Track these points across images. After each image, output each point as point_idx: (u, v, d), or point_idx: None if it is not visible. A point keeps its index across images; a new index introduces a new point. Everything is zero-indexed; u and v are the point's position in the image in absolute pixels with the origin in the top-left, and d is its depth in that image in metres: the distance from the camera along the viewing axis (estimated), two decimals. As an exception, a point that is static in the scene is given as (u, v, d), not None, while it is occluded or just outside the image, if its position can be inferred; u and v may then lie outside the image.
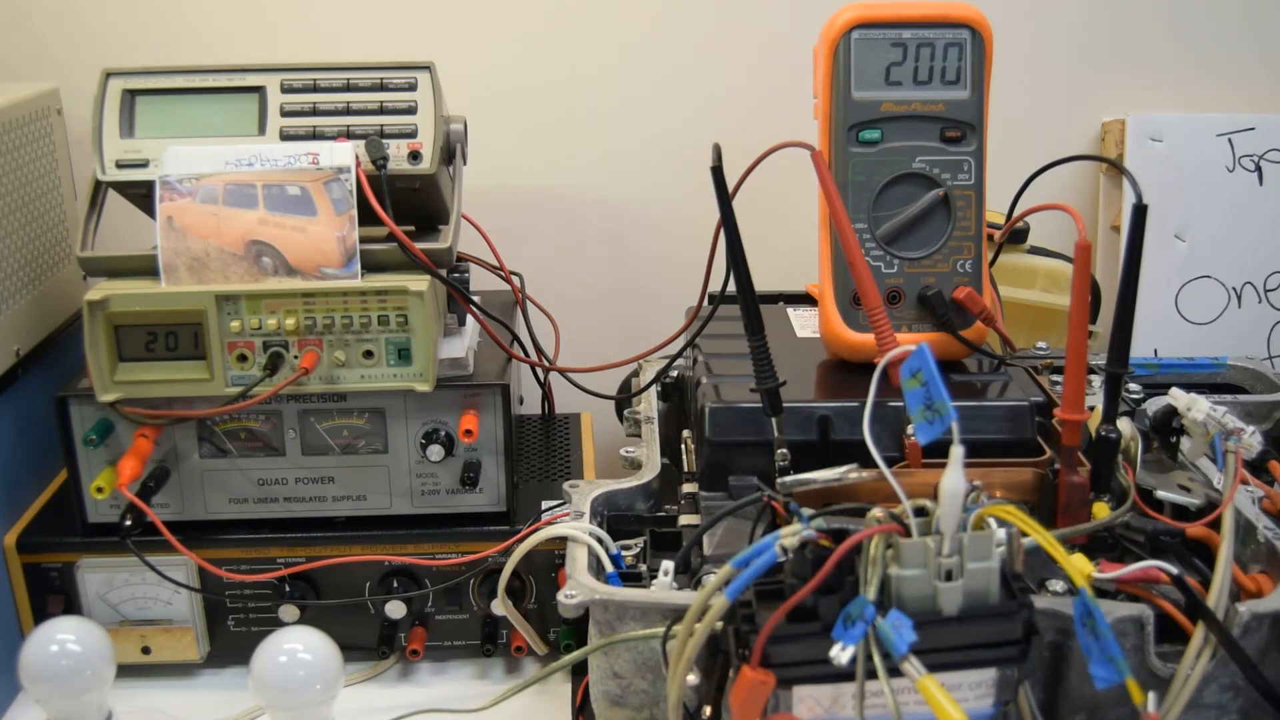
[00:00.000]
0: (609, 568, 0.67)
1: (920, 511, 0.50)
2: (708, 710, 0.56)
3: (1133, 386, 0.83)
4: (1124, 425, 0.69)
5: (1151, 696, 0.53)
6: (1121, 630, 0.58)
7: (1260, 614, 0.59)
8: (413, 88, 0.84)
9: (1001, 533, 0.50)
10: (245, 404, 0.76)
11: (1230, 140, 1.07)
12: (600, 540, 0.67)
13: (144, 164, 0.81)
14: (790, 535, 0.50)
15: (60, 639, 0.66)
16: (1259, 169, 1.07)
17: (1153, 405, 0.76)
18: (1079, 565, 0.60)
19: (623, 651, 0.61)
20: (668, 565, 0.64)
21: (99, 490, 0.76)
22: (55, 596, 0.80)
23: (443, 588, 0.81)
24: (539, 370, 1.00)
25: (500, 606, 0.78)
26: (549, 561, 0.80)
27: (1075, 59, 1.08)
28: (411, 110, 0.83)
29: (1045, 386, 0.77)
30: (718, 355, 0.81)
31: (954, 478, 0.48)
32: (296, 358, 0.76)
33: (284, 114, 0.83)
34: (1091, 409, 0.69)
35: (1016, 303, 0.96)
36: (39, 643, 0.66)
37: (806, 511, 0.52)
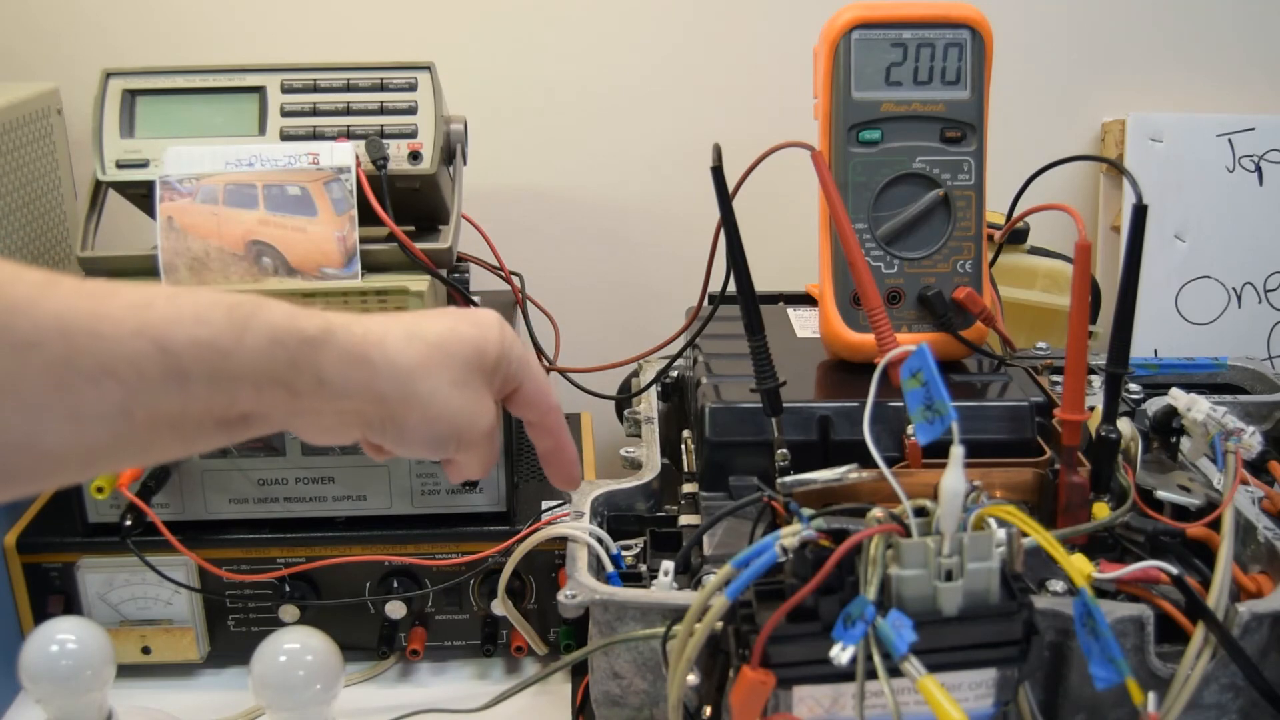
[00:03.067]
0: (609, 568, 0.67)
1: (920, 511, 0.50)
2: (708, 710, 0.56)
3: (1133, 386, 0.83)
4: (1124, 425, 0.69)
5: (1151, 696, 0.53)
6: (1121, 630, 0.58)
7: (1260, 614, 0.59)
8: (413, 88, 0.84)
9: (1001, 533, 0.50)
10: (245, 404, 0.76)
11: (1230, 140, 1.07)
12: (600, 540, 0.67)
13: (144, 164, 0.82)
14: (790, 535, 0.50)
15: (60, 639, 0.66)
16: (1259, 169, 1.07)
17: (1153, 405, 0.76)
18: (1079, 565, 0.60)
19: (623, 651, 0.61)
20: (668, 565, 0.64)
21: (99, 490, 0.76)
22: (55, 596, 0.79)
23: (443, 588, 0.81)
24: (539, 370, 1.00)
25: (500, 606, 0.78)
26: (549, 561, 0.80)
27: (1075, 59, 1.08)
28: (412, 110, 0.83)
29: (1045, 386, 0.77)
30: (718, 355, 0.81)
31: (954, 478, 0.48)
32: (296, 358, 0.76)
33: (284, 114, 0.83)
34: (1091, 409, 0.69)
35: (1016, 303, 0.96)
36: (39, 643, 0.66)
37: (806, 511, 0.52)
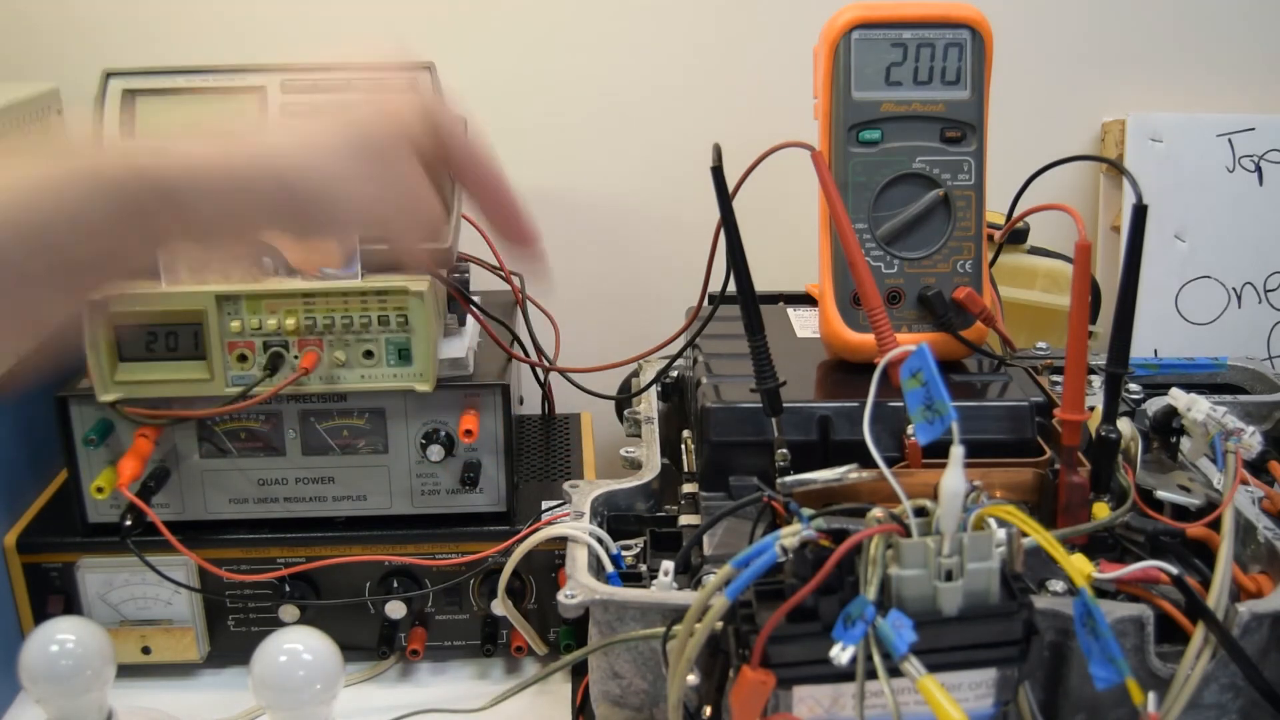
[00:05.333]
0: (609, 568, 0.67)
1: (920, 511, 0.50)
2: (708, 710, 0.56)
3: (1133, 386, 0.83)
4: (1124, 425, 0.69)
5: (1151, 696, 0.53)
6: (1121, 630, 0.58)
7: (1260, 614, 0.59)
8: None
9: (1001, 533, 0.50)
10: (245, 404, 0.76)
11: (1230, 140, 1.07)
12: (600, 540, 0.67)
13: (144, 164, 0.81)
14: (790, 535, 0.50)
15: (60, 639, 0.66)
16: (1259, 169, 1.07)
17: (1153, 405, 0.76)
18: (1079, 565, 0.60)
19: (623, 651, 0.61)
20: (668, 565, 0.64)
21: (99, 490, 0.76)
22: (55, 596, 0.80)
23: (443, 588, 0.81)
24: (539, 370, 1.00)
25: (500, 606, 0.78)
26: (549, 561, 0.80)
27: (1075, 59, 1.08)
28: (411, 110, 0.83)
29: (1045, 386, 0.77)
30: (718, 355, 0.81)
31: (954, 478, 0.48)
32: (296, 358, 0.76)
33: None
34: (1091, 409, 0.69)
35: (1016, 303, 0.96)
36: (39, 643, 0.66)
37: (806, 511, 0.52)
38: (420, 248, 0.51)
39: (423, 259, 0.52)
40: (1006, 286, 0.94)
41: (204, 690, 0.81)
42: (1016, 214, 0.84)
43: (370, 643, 0.81)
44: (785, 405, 0.70)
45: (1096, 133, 1.10)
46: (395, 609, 0.80)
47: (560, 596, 0.61)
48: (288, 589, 0.80)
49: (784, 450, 0.70)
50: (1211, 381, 0.90)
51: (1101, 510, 0.67)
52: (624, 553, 0.69)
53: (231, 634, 0.82)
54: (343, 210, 0.47)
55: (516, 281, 0.97)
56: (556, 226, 1.09)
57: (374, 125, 0.47)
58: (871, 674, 0.48)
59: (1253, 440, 0.67)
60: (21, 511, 0.83)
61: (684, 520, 0.73)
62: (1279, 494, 0.69)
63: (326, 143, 0.46)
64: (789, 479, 0.66)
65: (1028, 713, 0.58)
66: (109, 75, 0.83)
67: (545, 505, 0.82)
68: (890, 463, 0.63)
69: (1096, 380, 0.78)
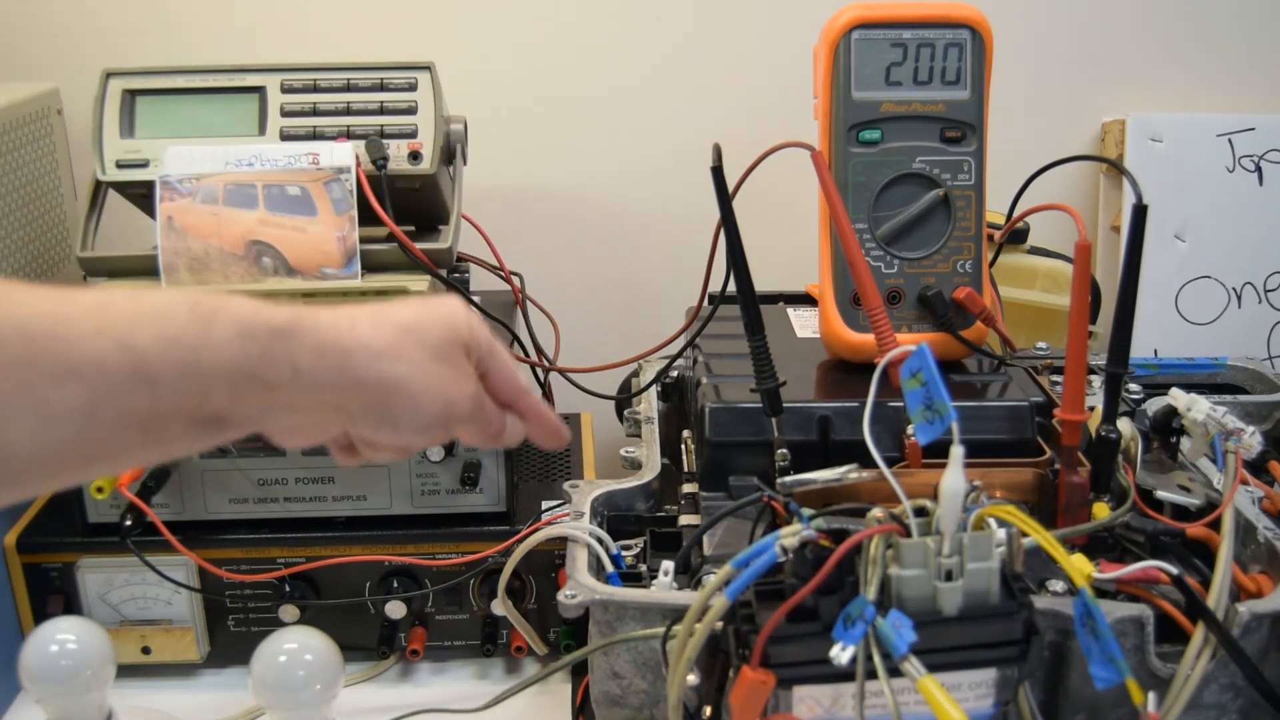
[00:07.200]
0: (609, 568, 0.67)
1: (920, 511, 0.50)
2: (708, 710, 0.56)
3: (1133, 386, 0.83)
4: (1124, 425, 0.69)
5: (1151, 696, 0.53)
6: (1121, 630, 0.58)
7: (1260, 614, 0.59)
8: (413, 88, 0.84)
9: (1001, 533, 0.50)
10: (245, 404, 0.76)
11: (1230, 140, 1.07)
12: (600, 540, 0.67)
13: (144, 164, 0.82)
14: (790, 535, 0.50)
15: (60, 639, 0.66)
16: (1259, 169, 1.07)
17: (1153, 405, 0.76)
18: (1079, 565, 0.60)
19: (623, 651, 0.61)
20: (668, 565, 0.64)
21: (99, 490, 0.76)
22: (55, 596, 0.79)
23: (443, 588, 0.81)
24: (539, 370, 1.00)
25: (500, 606, 0.78)
26: (549, 561, 0.80)
27: (1075, 59, 1.08)
28: (412, 110, 0.83)
29: (1045, 386, 0.77)
30: (718, 355, 0.81)
31: (954, 478, 0.48)
32: (296, 358, 0.76)
33: (284, 114, 0.83)
34: (1091, 409, 0.69)
35: (1016, 303, 0.96)
36: (39, 643, 0.66)
37: (806, 511, 0.52)
38: (474, 441, 0.55)
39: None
40: (1006, 286, 0.94)
41: (204, 690, 0.81)
42: (1016, 214, 0.84)
43: (370, 643, 0.81)
44: (785, 405, 0.70)
45: (1096, 133, 1.10)
46: (395, 609, 0.80)
47: (560, 596, 0.61)
48: (288, 589, 0.80)
49: (784, 450, 0.70)
50: (1211, 381, 0.90)
51: (1101, 510, 0.67)
52: (624, 553, 0.69)
53: (231, 634, 0.82)
54: (415, 413, 0.50)
55: (516, 281, 0.97)
56: (556, 226, 1.10)
57: (446, 335, 0.52)
58: (871, 674, 0.48)
59: (1253, 440, 0.67)
60: (21, 511, 0.83)
61: (684, 520, 0.73)
62: (1279, 494, 0.69)
63: (415, 354, 0.50)
64: (789, 479, 0.66)
65: (1028, 713, 0.58)
66: (109, 75, 0.83)
67: (545, 505, 0.82)
68: (890, 463, 0.63)
69: (1096, 380, 0.78)
